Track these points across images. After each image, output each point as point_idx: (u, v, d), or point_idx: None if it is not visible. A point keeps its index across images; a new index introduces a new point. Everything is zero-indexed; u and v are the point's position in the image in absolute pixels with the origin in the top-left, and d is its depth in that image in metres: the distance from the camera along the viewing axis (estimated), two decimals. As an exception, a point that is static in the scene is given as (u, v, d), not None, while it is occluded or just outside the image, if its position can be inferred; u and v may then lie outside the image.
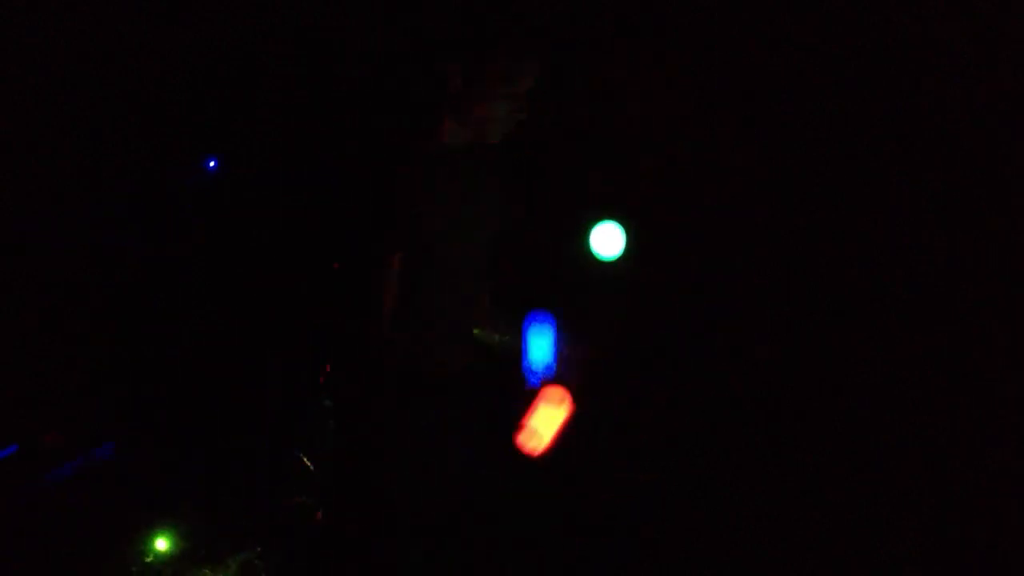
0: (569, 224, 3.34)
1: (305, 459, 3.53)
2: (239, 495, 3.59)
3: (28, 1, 3.48)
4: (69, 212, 3.70)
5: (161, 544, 3.48)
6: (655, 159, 3.52)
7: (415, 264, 2.54)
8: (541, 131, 3.06)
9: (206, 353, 3.89)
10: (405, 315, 2.55)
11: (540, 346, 2.62)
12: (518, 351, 2.59)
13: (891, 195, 3.28)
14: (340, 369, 2.62)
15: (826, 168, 3.36)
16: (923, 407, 3.24)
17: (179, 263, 3.89)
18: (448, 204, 2.59)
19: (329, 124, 3.79)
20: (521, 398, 2.52)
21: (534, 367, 2.61)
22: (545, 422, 2.49)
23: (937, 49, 3.13)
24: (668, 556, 3.53)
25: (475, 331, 2.78)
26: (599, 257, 3.09)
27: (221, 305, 3.90)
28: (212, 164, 3.87)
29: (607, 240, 3.04)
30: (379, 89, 3.65)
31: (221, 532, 3.51)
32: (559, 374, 2.60)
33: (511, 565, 3.47)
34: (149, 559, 3.44)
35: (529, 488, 3.58)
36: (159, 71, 3.71)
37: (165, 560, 3.45)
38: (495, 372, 2.66)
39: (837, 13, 3.23)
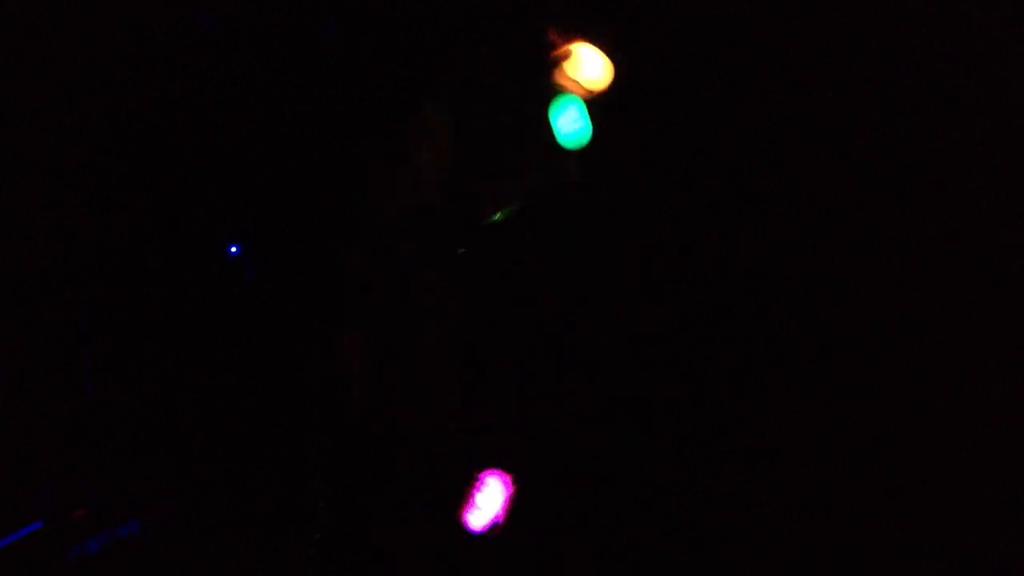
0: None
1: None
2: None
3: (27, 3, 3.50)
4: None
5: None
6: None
7: (380, 333, 2.45)
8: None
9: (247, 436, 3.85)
10: (376, 381, 2.45)
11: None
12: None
13: (890, 194, 3.28)
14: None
15: (826, 168, 3.36)
16: (923, 406, 3.25)
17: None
18: (404, 272, 2.54)
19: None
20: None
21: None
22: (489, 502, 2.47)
23: (937, 49, 3.13)
24: (667, 556, 3.53)
25: None
26: None
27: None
28: (234, 249, 3.80)
29: None
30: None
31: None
32: None
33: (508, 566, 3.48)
34: None
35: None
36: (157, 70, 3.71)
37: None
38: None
39: (837, 13, 3.24)
